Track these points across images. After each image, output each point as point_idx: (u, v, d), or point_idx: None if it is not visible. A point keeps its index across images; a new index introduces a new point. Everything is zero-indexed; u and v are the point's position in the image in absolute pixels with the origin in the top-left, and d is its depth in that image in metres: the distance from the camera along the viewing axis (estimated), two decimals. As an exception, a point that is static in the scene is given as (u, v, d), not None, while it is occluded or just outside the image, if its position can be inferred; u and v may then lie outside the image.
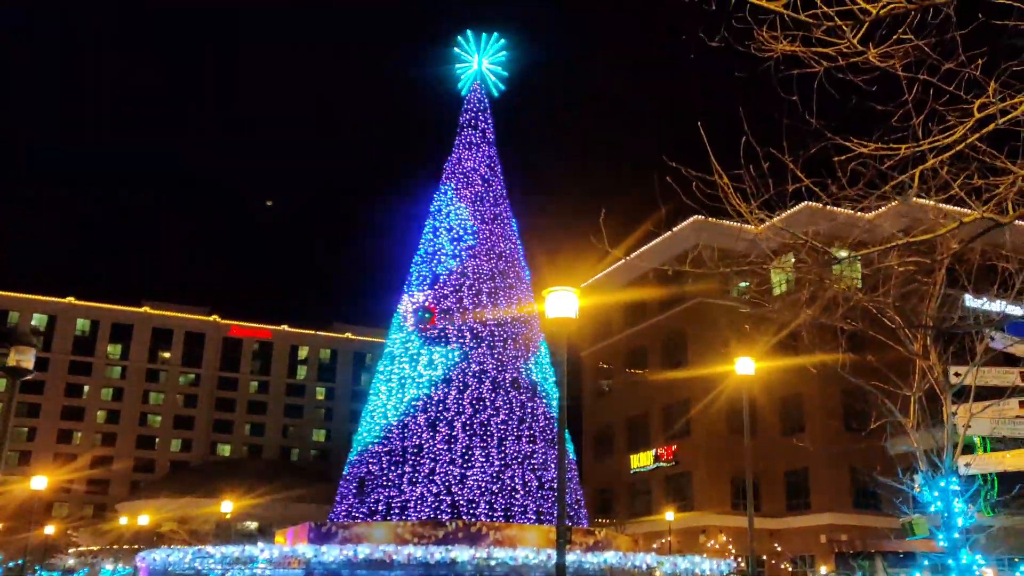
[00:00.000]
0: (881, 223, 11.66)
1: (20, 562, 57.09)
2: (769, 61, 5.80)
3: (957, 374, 11.08)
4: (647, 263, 48.23)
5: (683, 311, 52.74)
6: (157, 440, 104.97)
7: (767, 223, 7.86)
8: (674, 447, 52.22)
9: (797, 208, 9.52)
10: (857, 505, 46.14)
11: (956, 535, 8.73)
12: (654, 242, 48.87)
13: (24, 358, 12.26)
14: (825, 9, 5.36)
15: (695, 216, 34.75)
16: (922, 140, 5.66)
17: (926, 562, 32.02)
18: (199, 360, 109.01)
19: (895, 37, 5.38)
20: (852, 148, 6.11)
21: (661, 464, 53.24)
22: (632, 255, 51.54)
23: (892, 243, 7.87)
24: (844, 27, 5.34)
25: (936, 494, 9.32)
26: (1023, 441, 11.19)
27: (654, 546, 44.02)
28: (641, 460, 54.92)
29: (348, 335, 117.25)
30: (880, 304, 10.08)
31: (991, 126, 5.38)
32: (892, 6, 5.12)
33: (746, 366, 19.23)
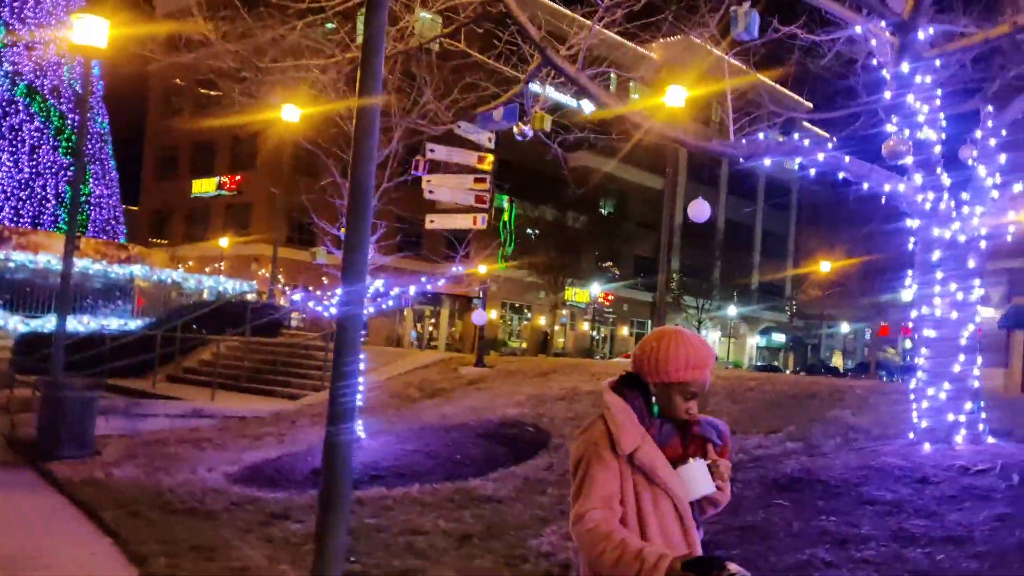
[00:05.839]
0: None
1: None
2: None
3: (432, 149, 13.73)
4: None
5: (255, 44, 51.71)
6: None
7: None
8: (239, 177, 52.98)
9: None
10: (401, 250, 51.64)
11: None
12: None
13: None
14: None
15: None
16: None
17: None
18: None
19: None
20: None
21: (223, 192, 53.94)
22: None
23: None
24: None
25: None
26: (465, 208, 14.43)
27: (206, 269, 45.57)
28: (204, 186, 54.98)
29: None
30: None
31: None
32: None
33: (291, 113, 20.76)
